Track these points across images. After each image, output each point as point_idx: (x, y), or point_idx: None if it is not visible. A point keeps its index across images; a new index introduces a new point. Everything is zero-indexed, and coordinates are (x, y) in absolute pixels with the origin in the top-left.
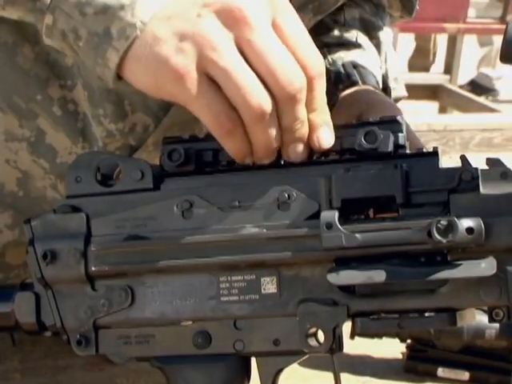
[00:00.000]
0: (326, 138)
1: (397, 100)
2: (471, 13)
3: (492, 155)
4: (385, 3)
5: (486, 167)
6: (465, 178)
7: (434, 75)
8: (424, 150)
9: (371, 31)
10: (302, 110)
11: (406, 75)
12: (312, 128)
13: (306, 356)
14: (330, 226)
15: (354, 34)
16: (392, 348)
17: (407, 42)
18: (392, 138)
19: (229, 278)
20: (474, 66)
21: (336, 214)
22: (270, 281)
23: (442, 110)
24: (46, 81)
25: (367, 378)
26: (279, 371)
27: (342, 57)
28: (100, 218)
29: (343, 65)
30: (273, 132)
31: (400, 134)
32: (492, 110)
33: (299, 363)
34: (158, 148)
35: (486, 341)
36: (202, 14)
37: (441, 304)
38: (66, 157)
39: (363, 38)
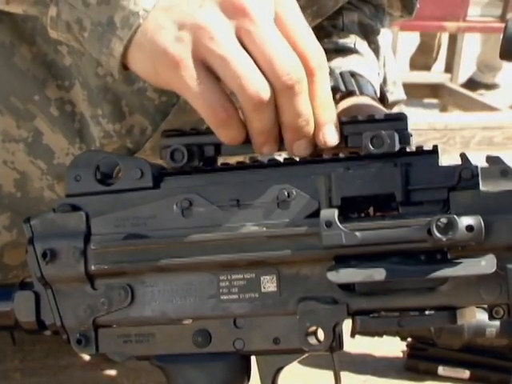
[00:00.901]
0: (331, 135)
1: (395, 103)
2: (475, 11)
3: (493, 154)
4: (384, 4)
5: (486, 165)
6: (465, 175)
7: (435, 74)
8: (424, 148)
9: (370, 35)
10: (304, 105)
11: (407, 74)
12: (317, 125)
13: (306, 354)
14: (329, 224)
15: (353, 40)
16: (392, 346)
17: (409, 40)
18: (397, 138)
19: (229, 277)
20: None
21: (336, 212)
22: (270, 279)
23: (443, 108)
24: (44, 81)
25: (368, 377)
26: (279, 370)
27: (340, 66)
28: (100, 216)
29: (341, 74)
30: (269, 121)
31: (405, 132)
32: (493, 109)
33: (299, 362)
34: (155, 153)
35: (486, 339)
36: (204, 4)
37: (441, 302)
38: (63, 158)
39: (362, 43)
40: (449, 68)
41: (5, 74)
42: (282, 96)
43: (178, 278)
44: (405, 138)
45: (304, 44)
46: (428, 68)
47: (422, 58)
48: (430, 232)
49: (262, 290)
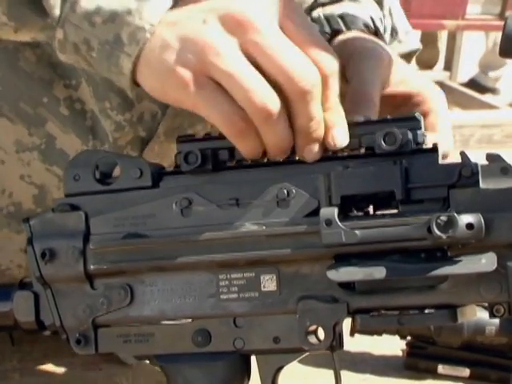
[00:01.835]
0: (341, 137)
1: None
2: (474, 9)
3: (492, 151)
4: None
5: (486, 163)
6: (464, 173)
7: (434, 72)
8: (423, 146)
9: None
10: (317, 109)
11: None
12: (327, 127)
13: (306, 354)
14: (329, 222)
15: None
16: (392, 345)
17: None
18: (411, 137)
19: (228, 276)
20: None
21: (335, 210)
22: (270, 278)
23: None
24: (51, 82)
25: (367, 376)
26: (279, 369)
27: (331, 11)
28: (99, 216)
29: (326, 17)
30: (283, 132)
31: (418, 132)
32: (492, 107)
33: (300, 361)
34: (169, 138)
35: (486, 337)
36: (207, 19)
37: (441, 300)
38: None
39: None
40: (448, 66)
41: (11, 79)
42: (296, 102)
43: (178, 278)
44: (418, 137)
45: (316, 50)
46: (434, 63)
47: (426, 53)
48: (430, 230)
49: (262, 289)
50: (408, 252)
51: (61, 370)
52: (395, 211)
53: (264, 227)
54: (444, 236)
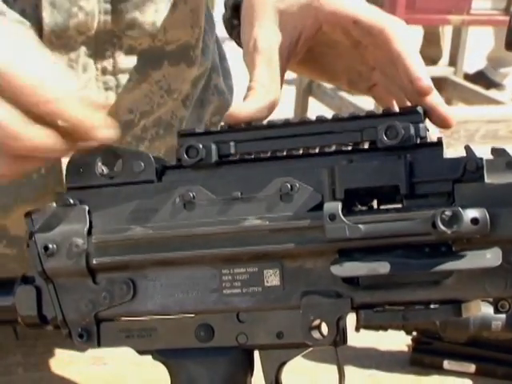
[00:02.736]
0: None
1: None
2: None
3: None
4: None
5: (491, 157)
6: (469, 167)
7: (439, 67)
8: (428, 140)
9: None
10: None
11: None
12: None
13: (310, 349)
14: (333, 217)
15: None
16: (397, 340)
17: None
18: (413, 131)
19: (231, 271)
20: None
21: (339, 205)
22: (273, 273)
23: (447, 102)
24: None
25: (372, 371)
26: (282, 364)
27: None
28: (101, 210)
29: None
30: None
31: (420, 125)
32: (497, 102)
33: (304, 356)
34: None
35: (492, 333)
36: None
37: (446, 296)
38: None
39: None
40: (453, 61)
41: None
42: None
43: (181, 272)
44: (420, 131)
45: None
46: (437, 59)
47: (429, 50)
48: (434, 225)
49: (265, 283)
50: (412, 247)
51: (64, 365)
52: (399, 206)
53: (267, 221)
54: (449, 231)
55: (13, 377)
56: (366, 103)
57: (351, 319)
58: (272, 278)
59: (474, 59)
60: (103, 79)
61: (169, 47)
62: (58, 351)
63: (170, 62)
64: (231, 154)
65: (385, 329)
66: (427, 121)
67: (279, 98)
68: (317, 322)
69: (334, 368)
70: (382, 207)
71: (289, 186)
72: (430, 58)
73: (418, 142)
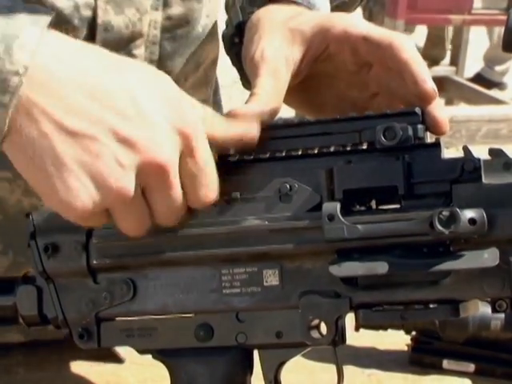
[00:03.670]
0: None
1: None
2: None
3: (497, 146)
4: None
5: (489, 158)
6: (467, 168)
7: (441, 67)
8: (426, 141)
9: None
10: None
11: None
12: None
13: (309, 348)
14: (331, 217)
15: None
16: (397, 340)
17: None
18: (411, 132)
19: (231, 271)
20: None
21: (338, 205)
22: (272, 273)
23: (449, 101)
24: None
25: (372, 370)
26: (282, 364)
27: None
28: None
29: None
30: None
31: (418, 126)
32: (499, 102)
33: (304, 355)
34: None
35: (491, 332)
36: (125, 164)
37: (444, 295)
38: None
39: None
40: (454, 61)
41: None
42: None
43: (180, 272)
44: (418, 131)
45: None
46: (441, 60)
47: (433, 51)
48: (432, 225)
49: (265, 283)
50: (410, 247)
51: (66, 364)
52: (397, 206)
53: (266, 222)
54: (446, 231)
55: (14, 377)
56: None
57: (351, 319)
58: (271, 277)
59: (472, 61)
60: None
61: None
62: (59, 351)
63: None
64: (231, 154)
65: (384, 328)
66: None
67: (280, 109)
68: (316, 322)
69: (333, 367)
70: (381, 208)
71: (288, 186)
72: (433, 59)
73: (416, 142)
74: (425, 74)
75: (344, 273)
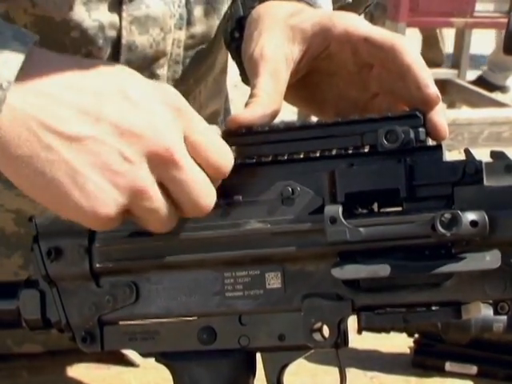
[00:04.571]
0: None
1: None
2: (482, 6)
3: (499, 149)
4: None
5: (491, 160)
6: (469, 170)
7: (442, 70)
8: (428, 144)
9: None
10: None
11: None
12: None
13: (312, 351)
14: (334, 220)
15: None
16: (399, 342)
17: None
18: (413, 135)
19: (233, 274)
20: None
21: (340, 208)
22: (275, 276)
23: (451, 104)
24: None
25: (375, 373)
26: (284, 366)
27: None
28: None
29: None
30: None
31: (420, 129)
32: (501, 105)
33: (307, 358)
34: None
35: (494, 334)
36: (129, 156)
37: (446, 298)
38: None
39: None
40: (456, 64)
41: None
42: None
43: (183, 276)
44: (420, 134)
45: (213, 158)
46: (440, 62)
47: (430, 53)
48: (434, 227)
49: (267, 286)
50: (412, 249)
51: (69, 368)
52: (399, 209)
53: (269, 225)
54: (448, 233)
55: (17, 380)
56: None
57: (354, 322)
58: (274, 280)
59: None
60: None
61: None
62: (62, 355)
63: None
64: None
65: (387, 331)
66: None
67: (280, 109)
68: (318, 325)
69: (335, 370)
70: (383, 210)
71: (290, 189)
72: (432, 62)
73: (418, 145)
74: (428, 79)
75: (346, 275)
